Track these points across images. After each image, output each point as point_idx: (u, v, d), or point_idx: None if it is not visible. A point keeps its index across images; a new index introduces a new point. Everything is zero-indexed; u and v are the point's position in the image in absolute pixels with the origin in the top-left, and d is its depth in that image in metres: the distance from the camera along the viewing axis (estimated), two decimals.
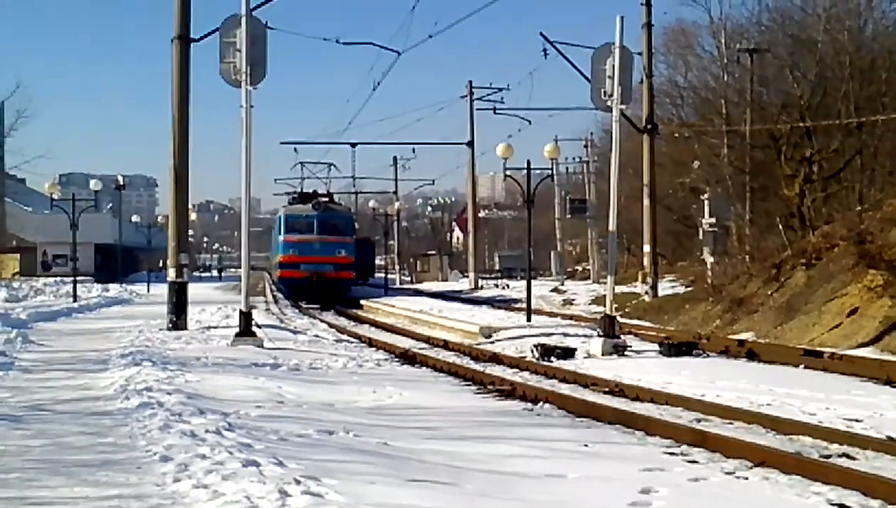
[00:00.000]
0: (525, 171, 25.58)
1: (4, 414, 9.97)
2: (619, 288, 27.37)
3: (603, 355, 17.17)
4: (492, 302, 36.66)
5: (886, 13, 34.12)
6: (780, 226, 28.49)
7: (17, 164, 63.01)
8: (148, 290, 45.79)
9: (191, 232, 37.30)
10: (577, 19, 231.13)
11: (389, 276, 57.89)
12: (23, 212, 64.06)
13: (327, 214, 39.66)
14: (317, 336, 21.85)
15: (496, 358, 17.44)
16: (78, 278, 39.21)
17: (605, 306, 19.13)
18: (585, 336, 19.53)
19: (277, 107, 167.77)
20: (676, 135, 40.24)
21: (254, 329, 18.85)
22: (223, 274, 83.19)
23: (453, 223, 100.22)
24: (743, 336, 20.70)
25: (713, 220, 29.97)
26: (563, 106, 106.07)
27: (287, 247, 39.08)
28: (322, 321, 28.61)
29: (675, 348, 17.26)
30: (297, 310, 33.53)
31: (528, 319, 24.49)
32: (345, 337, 22.86)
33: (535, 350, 17.43)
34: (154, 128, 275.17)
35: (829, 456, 8.63)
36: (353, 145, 57.47)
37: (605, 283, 24.53)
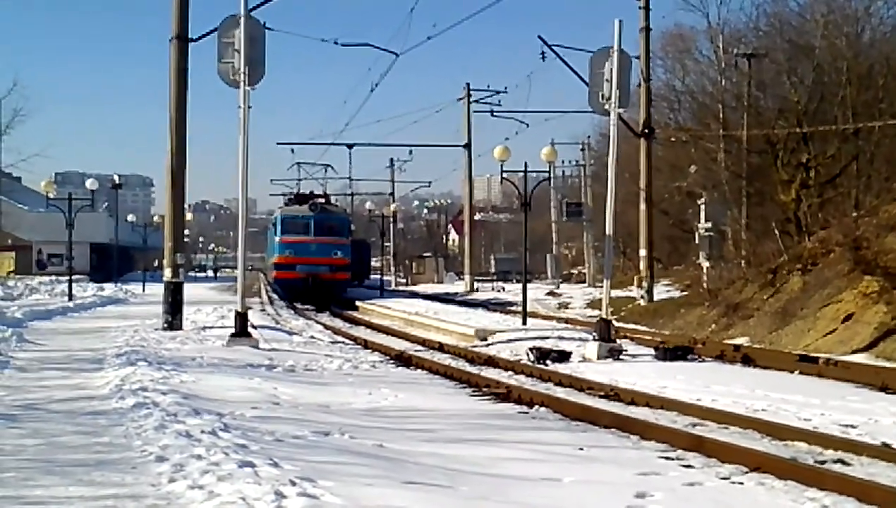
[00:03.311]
0: (522, 174, 25.63)
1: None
2: (615, 292, 27.37)
3: (598, 359, 17.14)
4: (487, 305, 36.64)
5: (884, 19, 34.19)
6: (777, 232, 28.53)
7: (13, 163, 63.08)
8: (143, 290, 45.80)
9: (186, 231, 37.21)
10: (575, 23, 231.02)
11: (385, 278, 57.89)
12: (18, 211, 63.88)
13: (324, 215, 39.64)
14: (312, 337, 21.86)
15: (492, 361, 17.41)
16: (73, 277, 39.08)
17: (600, 310, 19.12)
18: (581, 339, 19.51)
19: (275, 108, 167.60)
20: (673, 139, 40.24)
21: (249, 330, 18.85)
22: (218, 274, 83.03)
23: (449, 225, 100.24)
24: (738, 341, 20.69)
25: (709, 225, 30.01)
26: (561, 109, 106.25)
27: (283, 247, 39.09)
28: (317, 322, 28.61)
29: (671, 352, 17.25)
30: (292, 312, 33.51)
31: (524, 322, 24.49)
32: (340, 338, 22.85)
33: (530, 353, 17.40)
34: (151, 128, 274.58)
35: (824, 462, 8.63)
36: (350, 146, 57.41)
37: (600, 287, 24.57)
